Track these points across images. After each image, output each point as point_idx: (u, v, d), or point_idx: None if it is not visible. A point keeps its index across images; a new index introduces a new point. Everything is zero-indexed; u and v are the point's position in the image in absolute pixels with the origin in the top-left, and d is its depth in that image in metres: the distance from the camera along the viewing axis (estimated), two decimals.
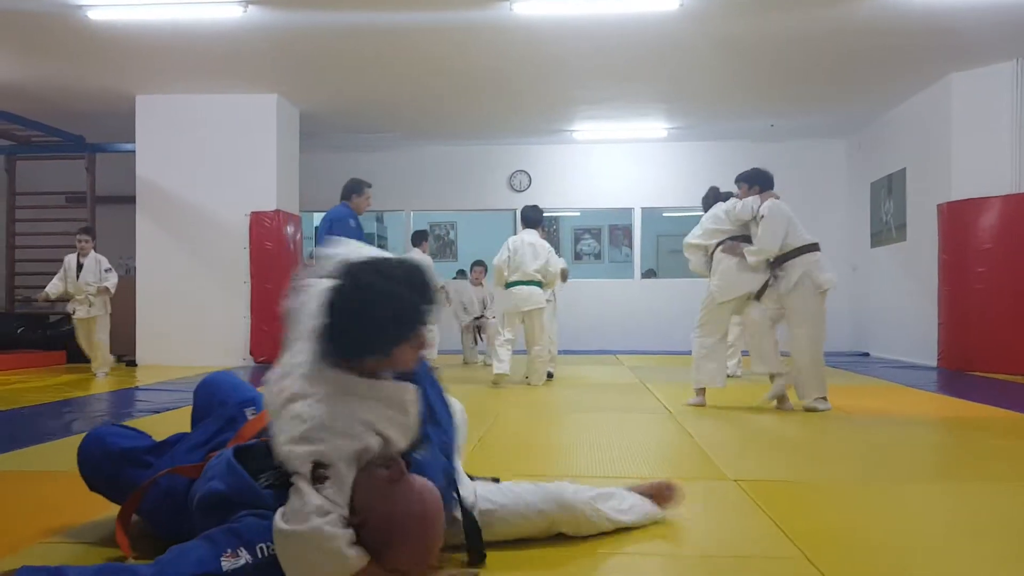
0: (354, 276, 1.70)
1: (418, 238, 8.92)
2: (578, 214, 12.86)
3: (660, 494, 2.29)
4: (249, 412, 2.08)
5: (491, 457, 3.30)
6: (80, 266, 7.22)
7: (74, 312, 7.27)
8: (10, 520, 2.37)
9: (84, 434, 2.17)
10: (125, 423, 2.70)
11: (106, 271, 7.25)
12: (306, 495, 1.54)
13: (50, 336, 8.95)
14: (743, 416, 4.60)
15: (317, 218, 10.58)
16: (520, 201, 10.09)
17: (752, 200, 4.76)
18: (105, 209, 9.42)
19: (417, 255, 8.07)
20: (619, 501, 2.18)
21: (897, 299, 9.03)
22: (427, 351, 1.83)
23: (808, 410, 4.59)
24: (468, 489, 1.95)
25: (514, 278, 6.32)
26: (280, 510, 1.58)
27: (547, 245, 6.46)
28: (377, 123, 9.66)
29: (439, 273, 6.84)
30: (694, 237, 5.06)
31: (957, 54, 7.15)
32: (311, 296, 1.78)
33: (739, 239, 4.82)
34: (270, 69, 7.62)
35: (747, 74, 7.74)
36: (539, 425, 4.43)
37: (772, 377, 4.77)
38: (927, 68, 7.54)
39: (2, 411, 4.85)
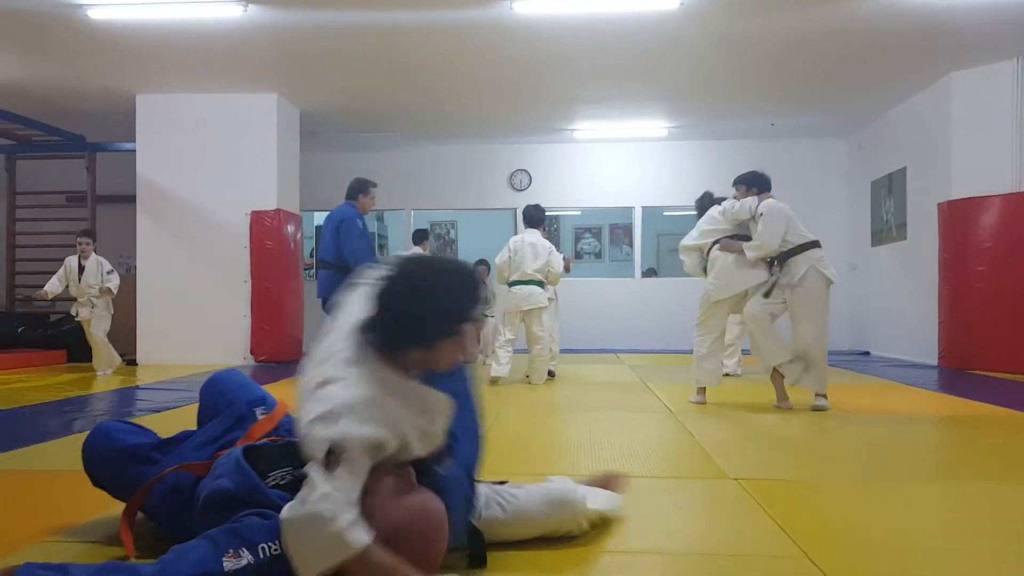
0: (405, 268, 1.74)
1: (419, 237, 8.91)
2: (579, 213, 12.85)
3: (611, 484, 2.37)
4: (259, 412, 2.08)
5: (491, 456, 3.27)
6: (81, 268, 7.23)
7: (77, 314, 7.29)
8: (11, 519, 2.37)
9: (86, 432, 2.16)
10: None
11: (108, 273, 7.26)
12: (315, 484, 1.53)
13: (51, 335, 8.96)
14: (744, 415, 4.60)
15: (318, 217, 10.58)
16: (520, 200, 10.10)
17: (750, 200, 4.76)
18: (105, 208, 9.41)
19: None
20: (593, 495, 2.21)
21: (898, 298, 9.03)
22: (476, 348, 1.83)
23: (816, 409, 4.57)
24: (479, 499, 1.95)
25: (515, 277, 6.35)
26: (289, 503, 1.58)
27: (548, 244, 6.47)
28: (377, 122, 9.66)
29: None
30: (690, 240, 5.07)
31: (957, 53, 7.14)
32: (360, 290, 1.82)
33: (736, 238, 4.82)
34: (270, 69, 7.62)
35: (747, 73, 7.74)
36: (540, 424, 4.44)
37: (774, 370, 4.70)
38: (927, 67, 7.54)
39: (3, 410, 4.85)
